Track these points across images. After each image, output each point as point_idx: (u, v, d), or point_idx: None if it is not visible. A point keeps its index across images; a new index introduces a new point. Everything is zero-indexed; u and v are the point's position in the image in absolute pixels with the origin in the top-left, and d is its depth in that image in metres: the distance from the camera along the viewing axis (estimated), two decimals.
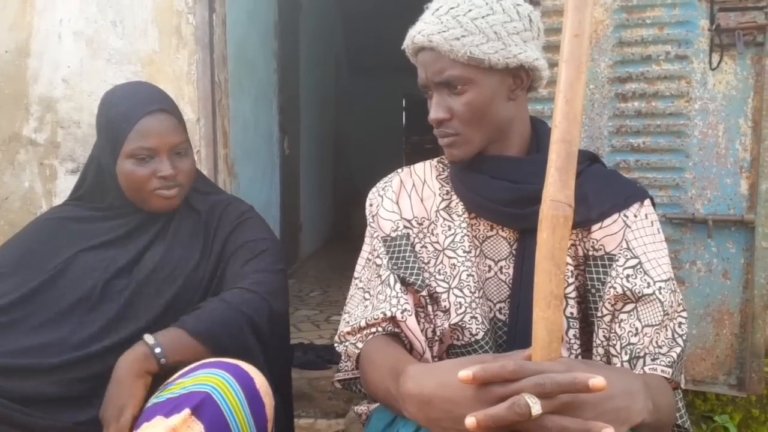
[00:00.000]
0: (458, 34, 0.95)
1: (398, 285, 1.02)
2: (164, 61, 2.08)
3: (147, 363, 1.06)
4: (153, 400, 1.00)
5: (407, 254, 1.06)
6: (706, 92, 1.77)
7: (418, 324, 1.02)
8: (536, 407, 0.65)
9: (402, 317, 0.98)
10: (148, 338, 1.08)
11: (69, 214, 1.31)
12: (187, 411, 0.93)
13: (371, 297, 1.07)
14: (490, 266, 1.06)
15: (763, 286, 1.75)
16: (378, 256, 1.08)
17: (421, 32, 0.98)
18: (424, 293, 1.03)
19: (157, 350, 1.07)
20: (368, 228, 1.13)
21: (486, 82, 0.97)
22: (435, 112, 1.01)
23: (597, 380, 0.65)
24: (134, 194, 1.24)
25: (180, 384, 0.99)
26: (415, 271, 1.03)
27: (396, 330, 1.00)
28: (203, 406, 0.94)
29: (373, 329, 1.01)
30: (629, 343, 0.94)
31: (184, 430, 0.92)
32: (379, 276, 1.06)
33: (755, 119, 1.74)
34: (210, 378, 0.98)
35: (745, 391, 1.80)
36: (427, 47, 0.98)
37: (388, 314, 0.99)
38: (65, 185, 2.12)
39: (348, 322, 1.07)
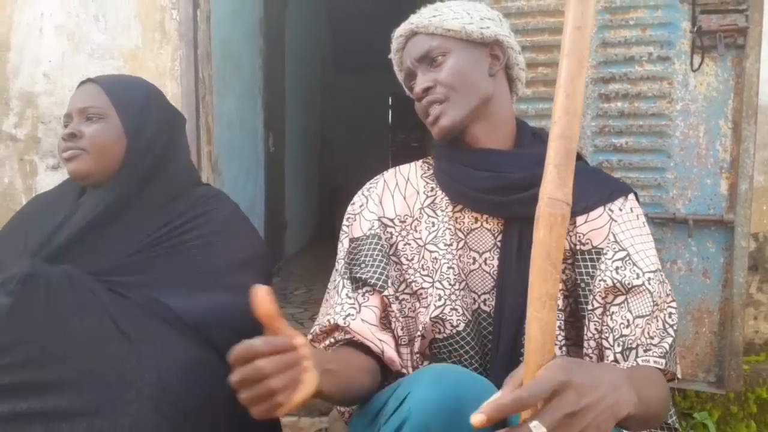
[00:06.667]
0: (434, 13, 1.07)
1: (345, 291, 1.04)
2: (147, 56, 2.07)
3: None
4: None
5: (375, 252, 1.06)
6: (687, 93, 1.78)
7: (391, 324, 1.03)
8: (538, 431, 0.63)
9: (345, 323, 1.00)
10: None
11: (31, 208, 1.31)
12: None
13: (325, 303, 1.10)
14: (474, 258, 1.06)
15: (742, 285, 1.77)
16: (338, 260, 1.10)
17: (402, 25, 1.09)
18: (387, 293, 1.03)
19: None
20: (341, 231, 1.14)
21: (464, 51, 1.05)
22: (421, 83, 1.06)
23: (477, 418, 0.63)
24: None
25: None
26: (378, 271, 1.04)
27: (351, 337, 1.01)
28: None
29: (328, 339, 1.03)
30: (621, 335, 0.95)
31: None
32: (334, 281, 1.08)
33: (735, 121, 1.76)
34: None
35: (724, 388, 1.82)
36: (409, 33, 1.08)
37: (332, 322, 1.01)
38: (46, 181, 2.10)
39: (311, 329, 1.09)
